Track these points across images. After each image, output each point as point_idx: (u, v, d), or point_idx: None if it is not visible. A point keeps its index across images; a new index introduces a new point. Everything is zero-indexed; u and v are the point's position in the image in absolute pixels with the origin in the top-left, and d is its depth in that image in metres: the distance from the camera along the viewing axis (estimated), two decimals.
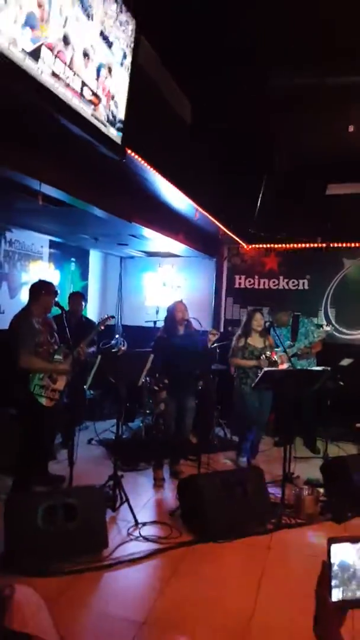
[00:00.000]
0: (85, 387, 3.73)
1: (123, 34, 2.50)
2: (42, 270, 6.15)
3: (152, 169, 3.60)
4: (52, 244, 6.35)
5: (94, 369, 3.67)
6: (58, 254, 6.56)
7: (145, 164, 3.50)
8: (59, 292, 4.21)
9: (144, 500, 4.29)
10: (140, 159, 3.39)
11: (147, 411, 6.06)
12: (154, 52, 3.27)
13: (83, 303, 5.74)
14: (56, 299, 4.12)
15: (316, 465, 5.13)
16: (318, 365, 5.70)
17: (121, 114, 2.56)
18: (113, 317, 4.83)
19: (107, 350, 5.03)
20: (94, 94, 2.28)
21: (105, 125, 2.42)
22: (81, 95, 2.18)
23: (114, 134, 2.51)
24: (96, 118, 2.32)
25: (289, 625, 2.64)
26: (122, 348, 4.62)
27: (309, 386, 4.30)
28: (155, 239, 5.58)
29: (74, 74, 2.10)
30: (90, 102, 2.26)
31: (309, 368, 5.46)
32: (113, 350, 4.99)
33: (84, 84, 2.19)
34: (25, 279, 5.82)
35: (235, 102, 3.90)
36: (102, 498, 3.61)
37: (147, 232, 5.05)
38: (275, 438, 6.17)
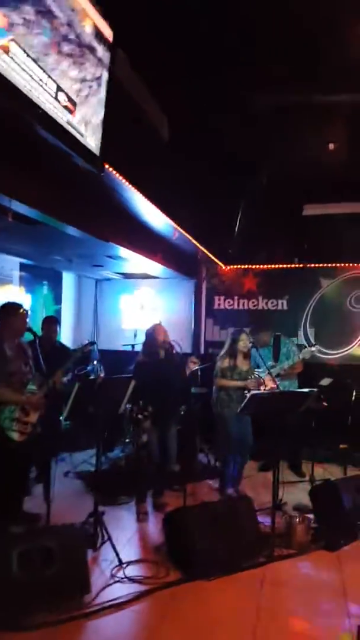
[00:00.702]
0: (61, 418, 3.46)
1: (100, 44, 2.38)
2: (13, 294, 5.89)
3: (130, 185, 3.47)
4: (22, 267, 6.10)
5: (70, 398, 3.43)
6: (29, 277, 6.30)
7: (123, 180, 3.36)
8: (29, 313, 3.97)
9: (127, 536, 4.01)
10: (118, 175, 3.25)
11: (127, 440, 5.80)
12: (130, 66, 3.16)
13: (57, 328, 5.48)
14: (28, 324, 3.88)
15: (303, 490, 4.98)
16: (300, 385, 5.60)
17: (98, 124, 2.40)
18: (94, 343, 4.60)
19: (84, 377, 4.77)
20: (70, 99, 2.13)
21: (82, 135, 2.26)
22: (56, 99, 2.02)
23: (91, 144, 2.35)
24: (72, 126, 2.16)
25: None
26: (101, 375, 4.39)
27: (296, 408, 4.14)
28: (132, 260, 5.42)
29: (48, 76, 1.94)
30: (66, 108, 2.11)
31: (293, 389, 5.33)
32: (91, 377, 4.73)
33: (59, 88, 2.04)
34: None
35: (214, 119, 3.82)
36: (82, 538, 3.32)
37: (123, 252, 4.89)
38: (259, 462, 5.98)
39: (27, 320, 3.88)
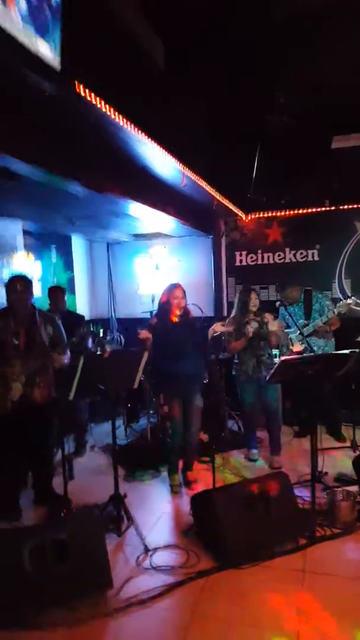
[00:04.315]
0: (69, 397, 3.09)
1: None
2: (20, 262, 5.48)
3: (127, 122, 2.92)
4: (26, 232, 5.64)
5: (77, 375, 3.03)
6: (36, 243, 5.86)
7: (117, 117, 2.82)
8: (29, 283, 3.62)
9: (155, 517, 3.68)
10: (108, 110, 2.70)
11: (151, 411, 5.45)
12: None
13: (64, 297, 5.07)
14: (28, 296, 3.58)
15: (344, 456, 4.63)
16: (337, 344, 5.09)
17: (52, 23, 1.83)
18: (86, 331, 4.26)
19: (90, 353, 4.41)
20: None
21: (28, 38, 1.69)
22: None
23: (46, 53, 1.80)
24: (10, 22, 1.61)
25: None
26: (108, 349, 4.00)
27: (334, 373, 3.65)
28: (139, 217, 4.88)
29: None
30: None
31: (330, 352, 4.83)
32: (98, 353, 4.36)
33: None
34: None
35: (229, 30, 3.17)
36: (102, 526, 3.00)
37: (128, 207, 4.35)
38: (294, 428, 5.56)
39: (25, 290, 3.56)
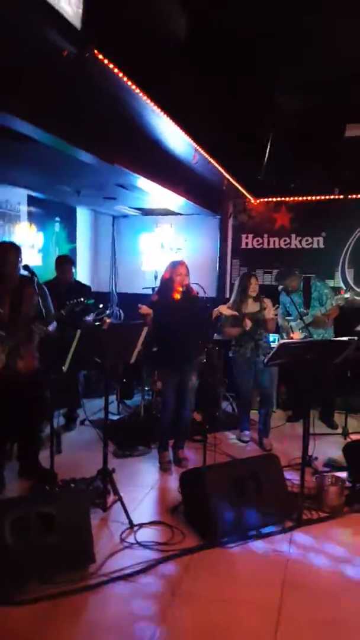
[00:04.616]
0: (63, 368, 3.05)
1: None
2: (22, 232, 5.41)
3: (140, 93, 2.83)
4: (31, 201, 5.56)
5: (72, 348, 3.00)
6: (40, 212, 5.77)
7: (131, 85, 2.74)
8: (19, 250, 3.55)
9: (142, 494, 3.70)
10: (122, 76, 2.62)
11: (146, 388, 5.45)
12: None
13: (72, 268, 5.05)
14: (17, 261, 3.49)
15: (335, 443, 4.67)
16: (336, 332, 5.07)
17: None
18: (82, 301, 4.19)
19: (89, 323, 4.37)
20: None
21: None
22: None
23: (67, 10, 1.73)
24: None
25: None
26: (107, 320, 3.95)
27: (333, 359, 3.63)
28: (148, 191, 4.80)
29: None
30: None
31: (331, 338, 4.80)
32: (97, 323, 4.31)
33: None
34: None
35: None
36: (87, 500, 2.99)
37: (137, 180, 4.27)
38: (287, 412, 5.59)
39: (13, 256, 3.48)
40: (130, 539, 3.04)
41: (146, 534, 3.11)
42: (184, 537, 3.07)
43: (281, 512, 3.28)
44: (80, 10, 1.78)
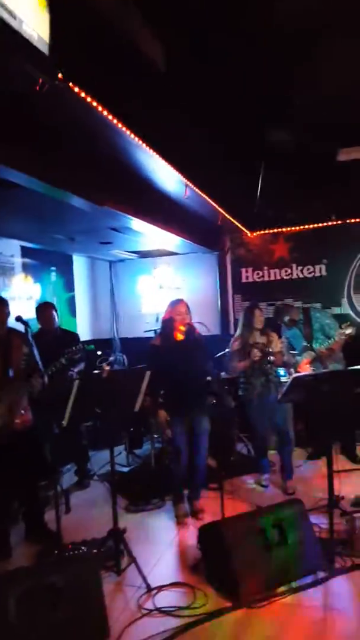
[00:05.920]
0: (63, 423, 2.84)
1: None
2: (18, 284, 5.31)
3: (126, 130, 2.77)
4: (25, 252, 5.49)
5: (71, 399, 2.80)
6: (35, 263, 5.69)
7: (116, 122, 2.67)
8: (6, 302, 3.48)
9: (159, 552, 3.40)
10: (106, 113, 2.55)
11: (155, 435, 5.19)
12: None
13: (54, 313, 4.61)
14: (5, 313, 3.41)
15: None
16: (347, 360, 4.81)
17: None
18: (81, 347, 4.00)
19: (86, 374, 4.16)
20: None
21: (11, 15, 1.53)
22: None
23: (31, 34, 1.63)
24: None
25: None
26: (106, 368, 3.76)
27: (351, 389, 3.41)
28: (142, 232, 4.73)
29: None
30: None
31: (348, 368, 4.55)
32: (95, 372, 4.10)
33: None
34: None
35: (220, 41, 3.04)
36: (99, 566, 2.72)
37: (131, 222, 4.19)
38: (307, 449, 5.27)
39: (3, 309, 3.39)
40: (149, 605, 2.76)
41: (166, 598, 2.82)
42: (207, 599, 2.78)
43: (311, 562, 2.98)
44: (48, 37, 1.70)
